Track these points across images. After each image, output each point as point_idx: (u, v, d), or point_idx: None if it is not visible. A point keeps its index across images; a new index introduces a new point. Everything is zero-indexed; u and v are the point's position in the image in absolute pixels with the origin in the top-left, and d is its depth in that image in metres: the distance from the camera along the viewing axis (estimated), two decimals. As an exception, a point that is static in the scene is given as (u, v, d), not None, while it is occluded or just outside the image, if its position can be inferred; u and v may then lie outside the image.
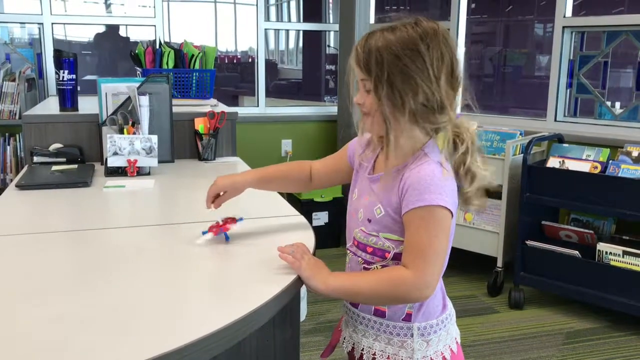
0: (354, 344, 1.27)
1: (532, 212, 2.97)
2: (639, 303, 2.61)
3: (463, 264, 3.49)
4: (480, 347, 2.58)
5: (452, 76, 1.12)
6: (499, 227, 3.04)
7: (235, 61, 5.68)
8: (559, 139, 3.12)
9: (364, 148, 1.26)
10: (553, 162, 2.92)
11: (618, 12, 3.58)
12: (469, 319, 2.85)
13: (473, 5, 4.41)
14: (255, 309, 0.97)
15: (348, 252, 1.27)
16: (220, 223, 1.30)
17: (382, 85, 1.10)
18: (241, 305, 0.96)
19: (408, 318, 1.19)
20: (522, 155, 2.93)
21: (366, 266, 1.21)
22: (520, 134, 3.12)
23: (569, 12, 3.30)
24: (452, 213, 1.10)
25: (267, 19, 5.50)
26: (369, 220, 1.18)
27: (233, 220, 1.31)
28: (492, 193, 3.19)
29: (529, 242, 2.93)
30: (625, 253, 2.69)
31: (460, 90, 1.15)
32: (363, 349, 1.23)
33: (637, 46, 3.20)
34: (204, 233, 1.29)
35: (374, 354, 1.21)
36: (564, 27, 3.29)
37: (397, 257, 1.16)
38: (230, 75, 5.56)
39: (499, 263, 3.08)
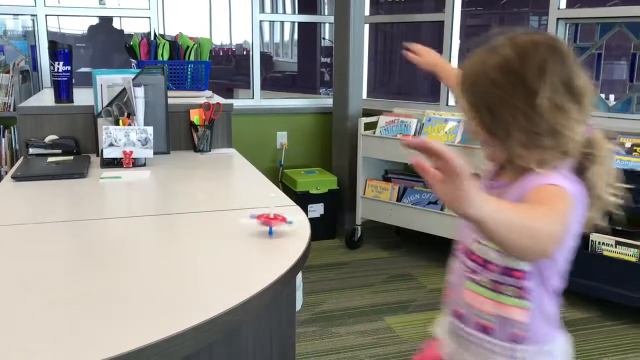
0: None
1: (526, 203, 2.99)
2: (631, 293, 2.64)
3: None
4: (474, 336, 2.61)
5: (571, 89, 1.01)
6: (493, 218, 3.06)
7: (230, 54, 5.68)
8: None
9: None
10: (547, 154, 2.94)
11: (612, 4, 3.59)
12: (463, 309, 2.88)
13: (468, -2, 4.42)
14: (251, 297, 0.98)
15: (456, 255, 1.20)
16: (271, 216, 1.27)
17: (483, 116, 1.04)
18: (236, 294, 0.98)
19: (514, 339, 1.11)
20: (516, 146, 2.95)
21: (471, 276, 1.14)
22: (514, 126, 3.13)
23: (563, 4, 3.30)
24: (575, 201, 1.00)
25: (262, 10, 5.49)
26: None
27: (284, 219, 1.28)
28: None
29: (523, 233, 2.95)
30: (617, 243, 2.71)
31: (588, 101, 1.03)
32: None
33: (630, 38, 3.22)
34: (252, 217, 1.27)
35: None
36: (558, 19, 3.30)
37: (504, 272, 1.08)
38: (225, 68, 5.56)
39: (493, 254, 3.09)
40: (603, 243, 2.75)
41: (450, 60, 3.80)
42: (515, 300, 1.09)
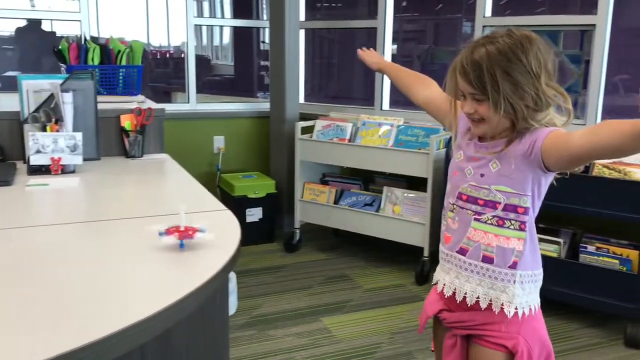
0: (455, 289, 1.41)
1: (456, 204, 3.11)
2: (552, 287, 2.78)
3: (392, 254, 3.61)
4: (407, 333, 2.69)
5: (547, 72, 1.27)
6: (425, 218, 3.17)
7: (167, 56, 5.59)
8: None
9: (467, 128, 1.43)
10: (474, 156, 3.06)
11: (540, 11, 3.77)
12: (398, 307, 2.96)
13: (404, 4, 4.53)
14: (178, 300, 1.00)
15: (454, 207, 1.41)
16: (182, 229, 1.24)
17: (495, 98, 1.25)
18: (164, 298, 0.99)
19: (514, 265, 1.35)
20: (445, 149, 3.06)
21: (476, 217, 1.36)
22: (444, 129, 3.25)
23: (488, 12, 3.45)
24: None
25: (201, 14, 5.43)
26: (482, 175, 1.35)
27: (194, 230, 1.25)
28: (417, 185, 3.32)
29: (453, 232, 3.06)
30: (540, 240, 2.85)
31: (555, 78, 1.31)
32: (466, 293, 1.39)
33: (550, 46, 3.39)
34: (160, 234, 1.23)
35: (478, 298, 1.37)
36: (483, 26, 3.45)
37: (507, 209, 1.33)
38: (163, 71, 5.48)
39: (426, 252, 3.20)
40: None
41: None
42: (515, 232, 1.34)
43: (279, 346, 2.55)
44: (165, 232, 1.23)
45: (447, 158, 3.01)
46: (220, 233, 1.39)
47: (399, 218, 3.30)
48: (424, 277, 3.23)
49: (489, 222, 1.35)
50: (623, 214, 2.58)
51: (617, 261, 2.63)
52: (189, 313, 1.09)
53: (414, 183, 3.37)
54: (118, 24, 4.67)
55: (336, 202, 3.59)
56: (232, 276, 2.87)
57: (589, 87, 3.16)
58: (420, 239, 3.20)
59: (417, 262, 3.24)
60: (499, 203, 1.33)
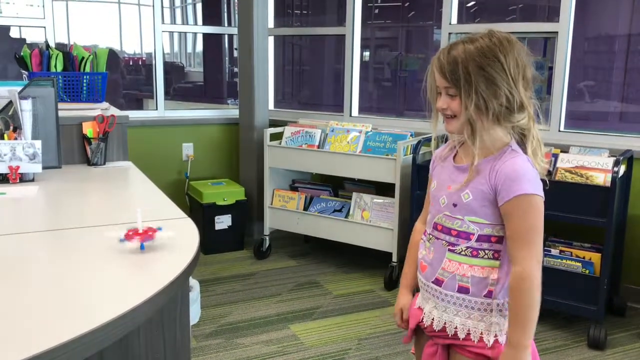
0: (433, 319, 1.39)
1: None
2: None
3: (361, 260, 3.62)
4: (376, 339, 2.69)
5: (525, 79, 1.28)
6: (393, 224, 3.18)
7: (140, 63, 5.56)
8: (446, 139, 3.30)
9: (442, 157, 1.44)
10: (441, 161, 3.09)
11: (511, 19, 3.83)
12: (366, 313, 2.96)
13: (376, 11, 4.57)
14: (134, 307, 0.99)
15: (430, 237, 1.39)
16: (140, 231, 1.25)
17: (468, 92, 1.25)
18: (119, 305, 0.98)
19: (489, 295, 1.32)
20: (412, 155, 3.08)
21: (450, 248, 1.34)
22: (411, 135, 3.27)
23: (454, 20, 3.50)
24: (542, 200, 1.27)
25: (174, 21, 5.41)
26: (455, 205, 1.32)
27: (153, 230, 1.26)
28: (386, 191, 3.34)
29: (421, 237, 3.08)
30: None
31: (532, 89, 1.31)
32: (445, 322, 1.36)
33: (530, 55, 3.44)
34: (121, 240, 1.24)
35: (456, 328, 1.35)
36: (449, 34, 3.49)
37: (480, 239, 1.30)
38: (136, 78, 5.44)
39: (394, 258, 3.22)
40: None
41: (352, 70, 3.92)
42: (489, 261, 1.32)
43: (247, 354, 2.53)
44: (125, 237, 1.24)
45: (414, 164, 3.03)
46: (179, 240, 1.39)
47: (367, 224, 3.31)
48: (393, 283, 3.24)
49: (462, 253, 1.33)
50: (585, 217, 2.63)
51: (579, 264, 2.68)
52: (146, 319, 1.08)
53: (383, 189, 3.39)
54: (90, 31, 4.62)
55: (306, 208, 3.59)
56: (195, 285, 2.84)
57: (553, 92, 3.22)
58: (389, 244, 3.21)
59: (386, 268, 3.25)
60: (472, 234, 1.31)
